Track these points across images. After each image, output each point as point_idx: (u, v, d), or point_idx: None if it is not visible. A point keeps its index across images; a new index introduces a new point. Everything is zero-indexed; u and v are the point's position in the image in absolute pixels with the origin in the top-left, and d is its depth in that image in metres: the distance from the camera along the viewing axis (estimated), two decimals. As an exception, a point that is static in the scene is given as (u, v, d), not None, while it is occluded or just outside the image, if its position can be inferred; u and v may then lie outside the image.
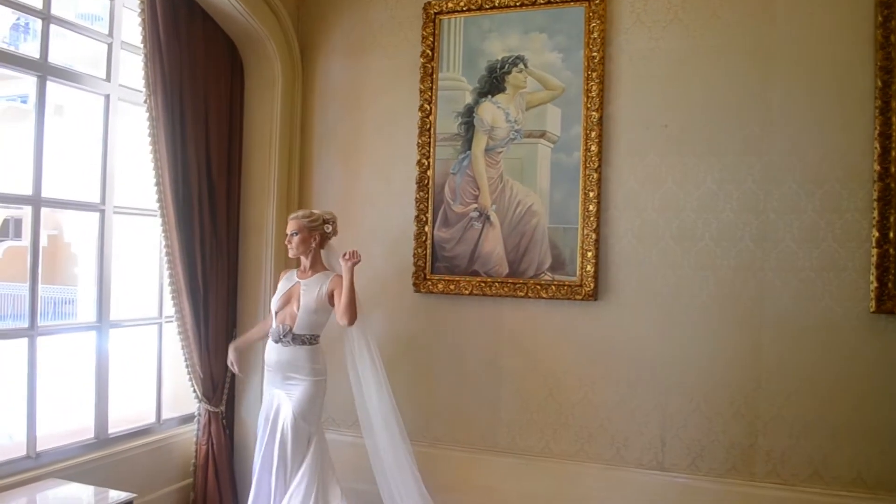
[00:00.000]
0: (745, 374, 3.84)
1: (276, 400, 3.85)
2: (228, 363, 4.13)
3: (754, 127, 3.82)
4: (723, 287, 3.87)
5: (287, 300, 3.89)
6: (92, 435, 4.03)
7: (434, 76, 4.39)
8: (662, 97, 3.98)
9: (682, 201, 3.94)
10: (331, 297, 3.83)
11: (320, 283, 3.86)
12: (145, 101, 3.99)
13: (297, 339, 3.81)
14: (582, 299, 4.08)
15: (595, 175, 4.04)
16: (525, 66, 4.21)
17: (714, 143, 3.89)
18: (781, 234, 3.77)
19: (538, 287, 4.16)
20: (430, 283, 4.40)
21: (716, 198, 3.88)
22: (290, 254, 3.97)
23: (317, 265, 3.95)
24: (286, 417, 3.78)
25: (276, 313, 3.89)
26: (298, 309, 3.82)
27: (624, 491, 4.01)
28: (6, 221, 15.89)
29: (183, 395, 4.51)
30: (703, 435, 3.91)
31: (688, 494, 3.89)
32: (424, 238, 4.41)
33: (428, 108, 4.40)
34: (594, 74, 4.04)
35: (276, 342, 3.84)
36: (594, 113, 4.04)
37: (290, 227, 3.91)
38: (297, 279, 3.93)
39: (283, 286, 3.97)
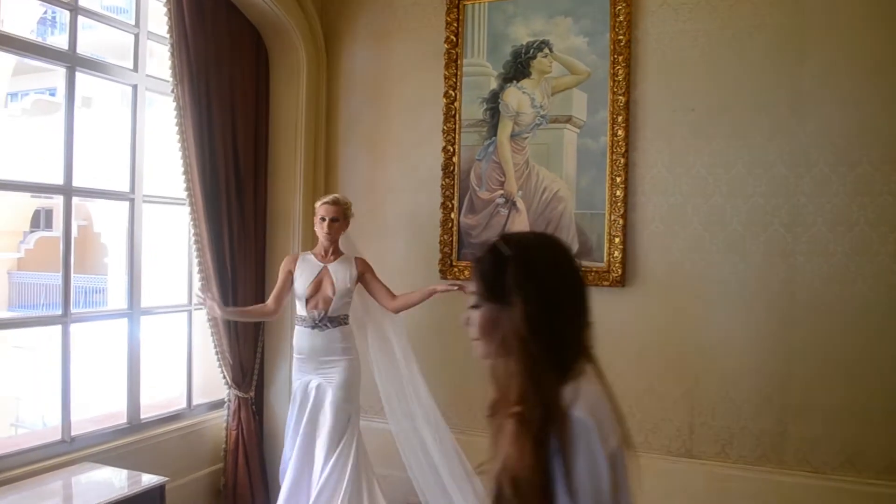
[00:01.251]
0: (775, 361, 3.79)
1: (310, 386, 3.85)
2: (212, 304, 3.96)
3: (784, 109, 3.75)
4: (752, 272, 3.82)
5: (318, 285, 3.87)
6: (125, 420, 4.10)
7: (459, 62, 4.37)
8: (690, 80, 3.93)
9: (711, 186, 3.89)
10: (360, 279, 3.91)
11: (347, 265, 3.92)
12: (172, 91, 4.02)
13: (334, 322, 3.84)
14: (609, 285, 4.05)
15: (622, 160, 4.00)
16: (550, 50, 4.17)
17: (743, 126, 3.83)
18: (812, 218, 3.71)
19: (565, 273, 4.14)
20: (456, 269, 4.40)
21: (745, 182, 3.82)
22: (326, 239, 3.88)
23: (338, 249, 3.97)
24: (328, 401, 3.80)
25: (308, 300, 3.87)
26: (334, 293, 3.84)
27: (652, 478, 3.96)
28: (37, 213, 16.15)
29: (213, 382, 4.56)
30: (732, 422, 3.87)
31: (717, 482, 3.86)
32: (451, 225, 4.41)
33: (453, 94, 4.39)
34: (620, 58, 3.99)
35: (312, 328, 3.84)
36: (621, 97, 3.99)
37: (332, 212, 3.85)
38: (322, 263, 3.91)
39: (307, 272, 3.90)
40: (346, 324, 3.91)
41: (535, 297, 1.50)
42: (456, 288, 3.89)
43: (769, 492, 3.75)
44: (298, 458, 3.86)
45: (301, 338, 3.89)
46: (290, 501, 3.83)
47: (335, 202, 3.88)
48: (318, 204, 3.93)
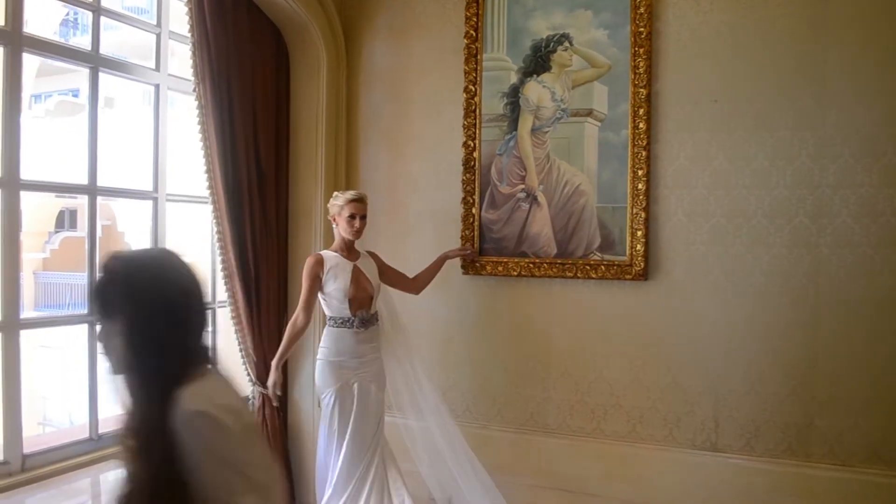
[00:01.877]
0: (800, 353, 3.76)
1: (353, 388, 3.80)
2: (271, 385, 3.92)
3: (808, 100, 3.71)
4: (776, 265, 3.79)
5: (357, 285, 3.84)
6: (151, 418, 4.13)
7: (478, 57, 4.37)
8: (712, 72, 3.89)
9: (734, 178, 3.85)
10: (383, 272, 3.97)
11: (370, 261, 3.95)
12: (194, 90, 4.05)
13: (375, 319, 3.89)
14: (632, 279, 4.03)
15: (644, 153, 3.97)
16: (570, 43, 4.16)
17: (766, 117, 3.79)
18: (837, 210, 3.66)
19: (587, 267, 4.13)
20: (478, 264, 4.40)
21: (768, 174, 3.79)
22: (356, 236, 3.87)
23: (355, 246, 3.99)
24: (371, 400, 3.82)
25: (352, 300, 3.81)
26: (374, 290, 3.87)
27: (677, 472, 3.97)
28: (62, 213, 16.34)
29: (237, 379, 4.58)
30: (757, 415, 3.84)
31: (742, 475, 3.83)
32: (472, 220, 4.40)
33: (473, 89, 4.38)
34: (641, 50, 3.97)
35: (361, 328, 3.83)
36: (642, 90, 3.97)
37: (364, 209, 3.85)
38: (350, 261, 3.88)
39: (341, 272, 3.83)
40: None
41: (133, 312, 1.58)
42: (468, 251, 4.04)
43: (795, 485, 3.72)
44: (348, 459, 3.78)
45: (343, 340, 3.82)
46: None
47: (362, 199, 3.86)
48: (341, 202, 3.85)
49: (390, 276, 4.05)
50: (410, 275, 4.14)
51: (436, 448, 3.96)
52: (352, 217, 3.82)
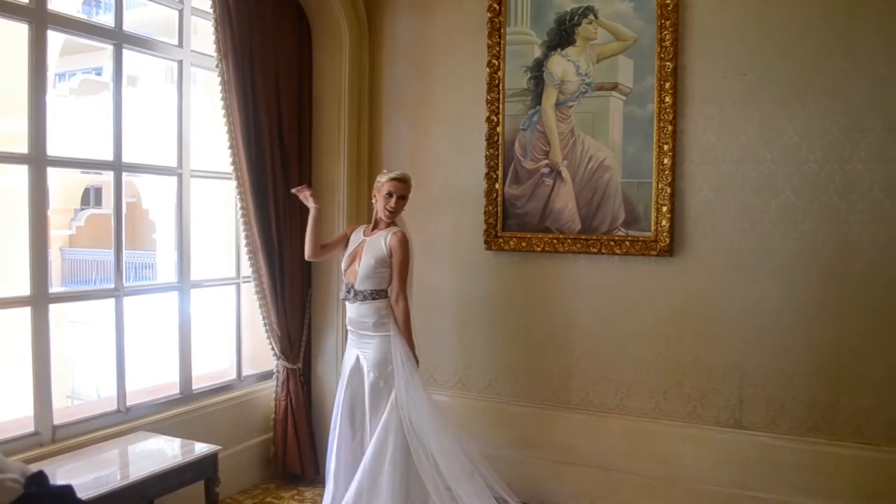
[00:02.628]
0: (827, 331, 3.72)
1: (353, 359, 3.85)
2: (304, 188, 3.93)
3: (838, 73, 3.64)
4: (804, 241, 3.74)
5: (353, 258, 3.84)
6: (177, 391, 4.19)
7: (502, 31, 4.32)
8: (740, 44, 3.82)
9: (762, 152, 3.80)
10: (390, 253, 3.72)
11: (382, 240, 3.76)
12: (217, 66, 4.06)
13: (360, 295, 3.75)
14: (657, 255, 4.00)
15: (669, 127, 3.92)
16: (595, 16, 4.10)
17: (795, 90, 3.72)
18: (868, 185, 3.60)
19: (611, 243, 4.10)
20: (501, 240, 4.38)
21: (798, 148, 3.73)
22: (388, 216, 3.76)
23: (387, 225, 3.93)
24: (366, 381, 3.77)
25: (345, 271, 3.87)
26: (366, 269, 3.74)
27: (700, 449, 3.96)
28: (87, 191, 16.49)
29: (261, 353, 4.63)
30: (782, 393, 3.81)
31: (766, 453, 3.82)
32: (495, 195, 4.38)
33: (496, 63, 4.34)
34: (667, 23, 3.90)
35: (343, 300, 3.87)
36: (668, 63, 3.91)
37: (402, 189, 3.75)
38: (364, 237, 3.87)
39: (351, 245, 3.89)
40: (376, 299, 3.74)
41: None
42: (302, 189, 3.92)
43: (820, 463, 3.70)
44: (341, 431, 3.82)
45: (347, 310, 3.89)
46: (337, 480, 3.82)
47: (405, 179, 3.77)
48: (384, 178, 3.77)
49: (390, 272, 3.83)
50: (435, 258, 4.06)
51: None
52: (389, 195, 3.74)
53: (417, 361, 3.76)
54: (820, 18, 3.66)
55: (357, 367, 3.82)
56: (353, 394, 3.83)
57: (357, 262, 3.80)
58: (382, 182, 3.78)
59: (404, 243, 3.73)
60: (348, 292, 3.81)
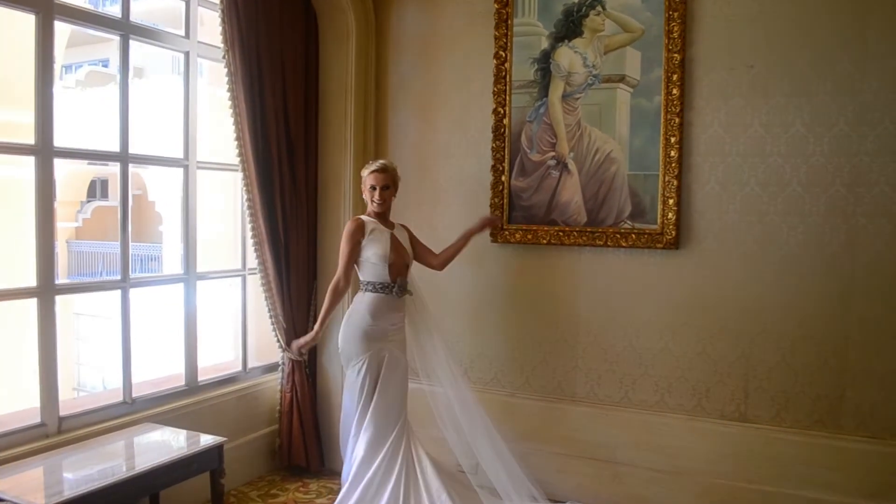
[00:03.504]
0: (833, 325, 3.71)
1: (383, 356, 3.81)
2: (306, 339, 4.12)
3: (847, 65, 3.62)
4: (811, 234, 3.72)
5: (397, 255, 3.85)
6: (183, 382, 4.20)
7: (509, 22, 4.30)
8: (748, 36, 3.80)
9: (769, 145, 3.78)
10: (412, 245, 3.95)
11: (404, 231, 3.96)
12: (224, 57, 4.05)
13: (405, 288, 3.87)
14: (663, 248, 3.99)
15: (676, 120, 3.91)
16: (603, 8, 4.08)
17: (803, 83, 3.70)
18: (875, 178, 3.58)
19: (617, 236, 4.09)
20: (507, 232, 4.37)
21: (805, 141, 3.71)
22: (379, 208, 3.82)
23: (389, 216, 3.98)
24: (399, 368, 3.85)
25: (391, 266, 3.81)
26: (410, 259, 3.90)
27: (705, 441, 3.96)
28: (93, 183, 16.52)
29: (267, 345, 4.64)
30: (788, 386, 3.81)
31: (771, 446, 3.81)
32: (501, 187, 4.37)
33: (503, 55, 4.32)
34: (675, 14, 3.88)
35: (400, 294, 3.84)
36: (676, 55, 3.89)
37: (382, 180, 3.79)
38: (387, 230, 3.87)
39: (381, 238, 3.81)
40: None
41: None
42: (495, 221, 4.16)
43: (825, 457, 3.69)
44: (376, 427, 3.79)
45: (380, 306, 3.80)
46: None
47: (384, 169, 3.83)
48: (365, 173, 3.86)
49: (418, 249, 4.04)
50: (437, 250, 4.10)
51: (456, 418, 3.96)
52: (372, 188, 3.82)
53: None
54: (829, 11, 3.64)
55: (391, 360, 3.83)
56: (385, 387, 3.83)
57: (405, 256, 3.88)
58: (364, 177, 3.86)
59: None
60: (403, 286, 3.85)
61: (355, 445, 3.82)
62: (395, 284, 3.81)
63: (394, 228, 3.92)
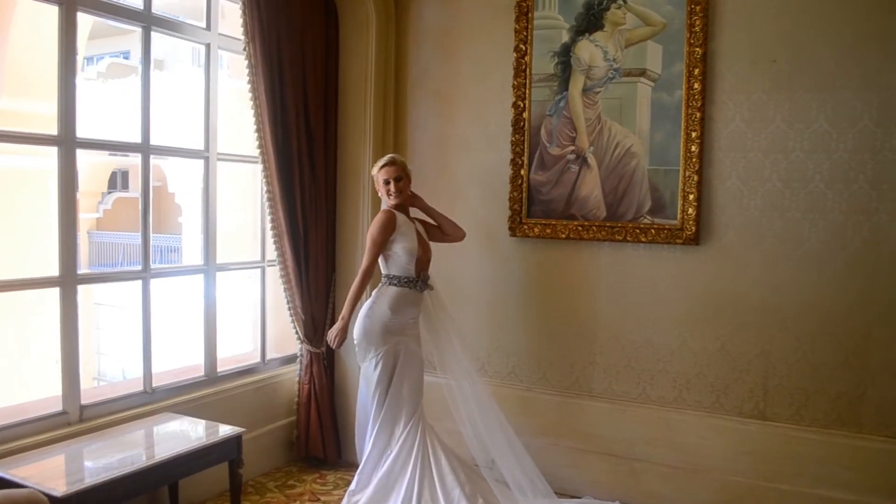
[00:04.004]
0: (854, 322, 3.67)
1: (399, 349, 3.82)
2: (338, 329, 3.83)
3: (872, 60, 3.57)
4: (833, 231, 3.69)
5: (423, 246, 3.86)
6: (202, 373, 4.23)
7: (529, 15, 4.28)
8: (771, 30, 3.76)
9: (792, 141, 3.74)
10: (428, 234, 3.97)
11: (422, 227, 3.96)
12: (244, 49, 4.07)
13: (429, 283, 3.88)
14: (683, 243, 3.97)
15: (698, 114, 3.88)
16: (624, 1, 4.04)
17: (827, 78, 3.66)
18: (900, 175, 3.54)
19: (637, 231, 4.07)
20: (525, 227, 4.36)
21: (828, 137, 3.67)
22: (395, 201, 3.80)
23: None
24: (415, 360, 3.87)
25: (418, 261, 3.82)
26: (431, 254, 3.92)
27: (723, 439, 3.94)
28: (114, 174, 16.65)
29: (285, 337, 4.67)
30: (808, 384, 3.78)
31: (790, 444, 3.78)
32: (520, 182, 4.36)
33: (523, 48, 4.31)
34: (697, 8, 3.85)
35: (422, 290, 3.86)
36: (697, 49, 3.86)
37: (394, 172, 3.78)
38: (412, 223, 3.88)
39: (409, 231, 3.82)
40: None
41: None
42: None
43: (844, 456, 3.66)
44: (386, 418, 3.83)
45: (401, 300, 3.80)
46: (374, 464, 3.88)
47: (393, 162, 3.82)
48: (375, 171, 3.85)
49: (432, 230, 4.03)
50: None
51: (471, 412, 3.96)
52: (386, 182, 3.80)
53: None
54: (853, 5, 3.59)
55: (407, 353, 3.84)
56: (399, 380, 3.84)
57: (427, 249, 3.89)
58: (375, 174, 3.86)
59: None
60: (424, 282, 3.86)
61: (371, 438, 3.84)
62: (420, 279, 3.82)
63: (415, 223, 3.93)
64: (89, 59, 15.68)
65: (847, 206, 3.65)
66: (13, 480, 2.91)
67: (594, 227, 4.18)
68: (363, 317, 3.85)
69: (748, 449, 3.87)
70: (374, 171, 3.88)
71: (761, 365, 3.87)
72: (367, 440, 3.88)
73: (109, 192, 16.35)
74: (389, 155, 3.93)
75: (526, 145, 4.33)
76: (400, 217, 3.83)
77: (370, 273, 3.81)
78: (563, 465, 4.27)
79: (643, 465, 4.11)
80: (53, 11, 3.42)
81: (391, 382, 3.81)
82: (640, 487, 4.10)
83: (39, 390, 5.24)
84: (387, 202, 3.88)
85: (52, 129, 3.43)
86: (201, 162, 4.25)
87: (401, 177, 3.82)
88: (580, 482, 4.24)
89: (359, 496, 3.76)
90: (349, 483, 3.91)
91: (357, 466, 3.92)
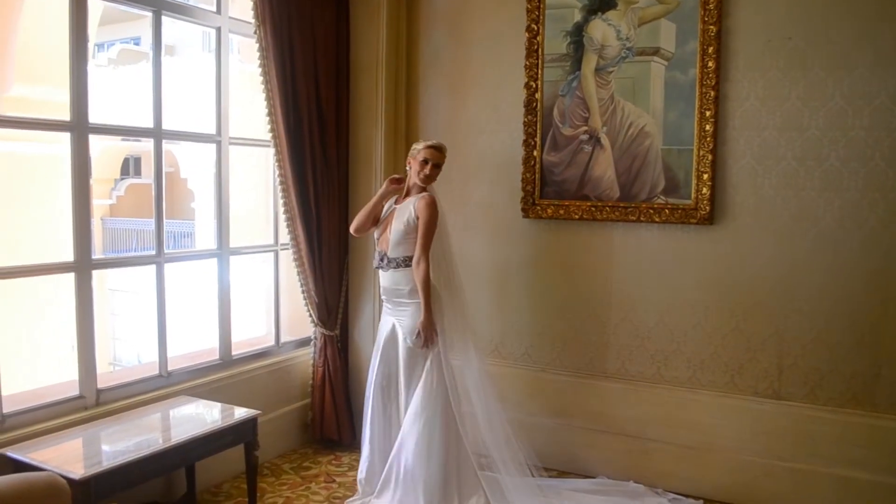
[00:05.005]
0: (869, 302, 3.65)
1: (388, 327, 3.87)
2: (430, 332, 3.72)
3: (889, 38, 3.52)
4: (849, 210, 3.66)
5: (385, 227, 3.86)
6: (217, 357, 4.26)
7: (541, -6, 4.25)
8: (787, 7, 3.72)
9: (807, 119, 3.71)
10: (417, 216, 3.72)
11: (410, 206, 3.76)
12: (255, 32, 4.06)
13: (392, 263, 3.77)
14: (697, 223, 3.95)
15: (712, 93, 3.84)
16: (637, -21, 4.01)
17: (843, 55, 3.61)
18: (917, 152, 3.51)
19: (651, 211, 4.05)
20: (538, 208, 4.35)
21: (844, 115, 3.63)
22: (424, 182, 3.75)
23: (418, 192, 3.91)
24: (400, 348, 3.81)
25: (378, 240, 3.90)
26: (397, 234, 3.76)
27: (737, 419, 3.94)
28: (126, 160, 16.71)
29: (299, 320, 4.68)
30: (822, 363, 3.76)
31: (804, 424, 3.78)
32: (533, 162, 4.35)
33: (535, 28, 4.27)
34: (712, -15, 3.81)
35: (377, 268, 3.88)
36: (711, 27, 3.82)
37: (438, 157, 3.75)
38: (394, 206, 3.88)
39: (383, 214, 3.93)
40: (409, 266, 3.73)
41: None
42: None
43: (859, 435, 3.66)
44: (373, 397, 3.88)
45: (380, 277, 3.90)
46: (372, 446, 3.90)
47: (441, 148, 3.77)
48: (420, 146, 3.77)
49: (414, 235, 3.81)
50: (468, 232, 4.03)
51: (467, 388, 3.88)
52: (425, 161, 3.73)
53: (436, 330, 3.71)
54: (871, -20, 3.54)
55: (392, 335, 3.85)
56: (387, 362, 3.87)
57: (388, 230, 3.81)
58: (419, 149, 3.78)
59: (432, 205, 3.71)
60: (381, 260, 3.82)
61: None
62: (378, 258, 3.85)
63: (404, 202, 3.86)
64: (100, 46, 15.70)
65: (863, 184, 3.62)
66: (32, 464, 2.94)
67: (607, 208, 4.17)
68: (435, 302, 3.76)
69: (763, 429, 3.87)
70: (418, 145, 3.78)
71: (775, 344, 3.86)
72: (364, 420, 3.91)
73: (122, 179, 16.41)
74: (440, 142, 3.82)
75: (538, 126, 4.31)
76: (387, 205, 3.93)
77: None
78: (577, 445, 4.28)
79: (657, 445, 4.11)
80: (64, -4, 3.42)
81: (378, 362, 3.89)
82: (654, 467, 4.11)
83: (57, 376, 5.30)
84: (413, 178, 3.79)
85: (65, 115, 3.44)
86: (213, 146, 4.25)
87: (439, 165, 3.78)
88: (594, 462, 4.25)
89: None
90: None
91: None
